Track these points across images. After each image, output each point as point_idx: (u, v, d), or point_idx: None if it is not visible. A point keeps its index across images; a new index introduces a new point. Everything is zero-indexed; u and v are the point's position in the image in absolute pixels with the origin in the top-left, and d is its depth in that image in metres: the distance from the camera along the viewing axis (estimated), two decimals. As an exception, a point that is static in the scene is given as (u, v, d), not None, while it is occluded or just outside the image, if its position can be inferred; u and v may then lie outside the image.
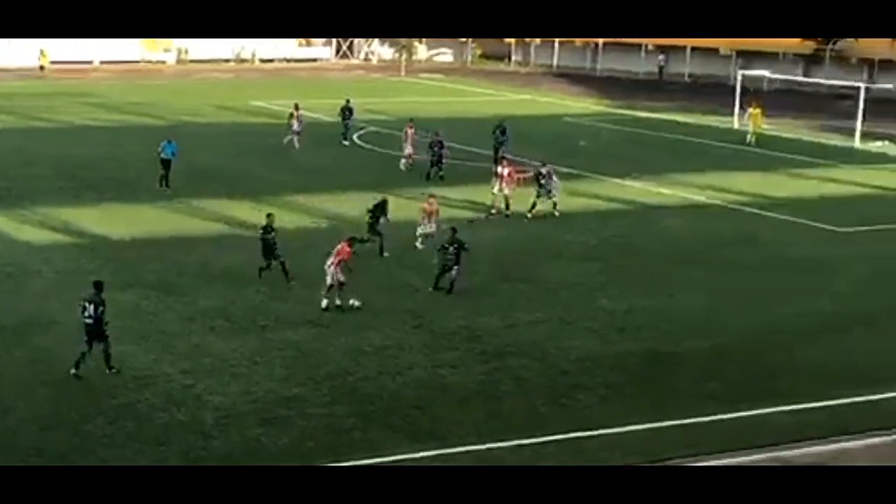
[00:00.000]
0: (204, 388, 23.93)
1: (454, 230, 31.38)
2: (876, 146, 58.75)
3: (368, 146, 52.74)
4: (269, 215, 32.09)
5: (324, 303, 29.05)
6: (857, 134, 59.25)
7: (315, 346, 26.72)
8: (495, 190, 40.63)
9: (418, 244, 34.68)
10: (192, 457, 20.79)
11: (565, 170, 48.53)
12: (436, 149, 45.54)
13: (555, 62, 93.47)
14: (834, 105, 71.63)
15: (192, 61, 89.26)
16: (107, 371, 24.29)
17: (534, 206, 39.88)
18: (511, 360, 26.24)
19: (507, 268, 33.44)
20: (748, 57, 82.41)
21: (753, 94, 67.99)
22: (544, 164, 40.43)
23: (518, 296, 30.80)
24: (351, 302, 29.02)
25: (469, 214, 40.35)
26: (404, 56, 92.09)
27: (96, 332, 24.18)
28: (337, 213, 39.50)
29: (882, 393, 24.93)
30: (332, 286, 29.04)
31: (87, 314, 24.22)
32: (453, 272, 30.63)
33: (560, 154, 51.89)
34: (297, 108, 52.49)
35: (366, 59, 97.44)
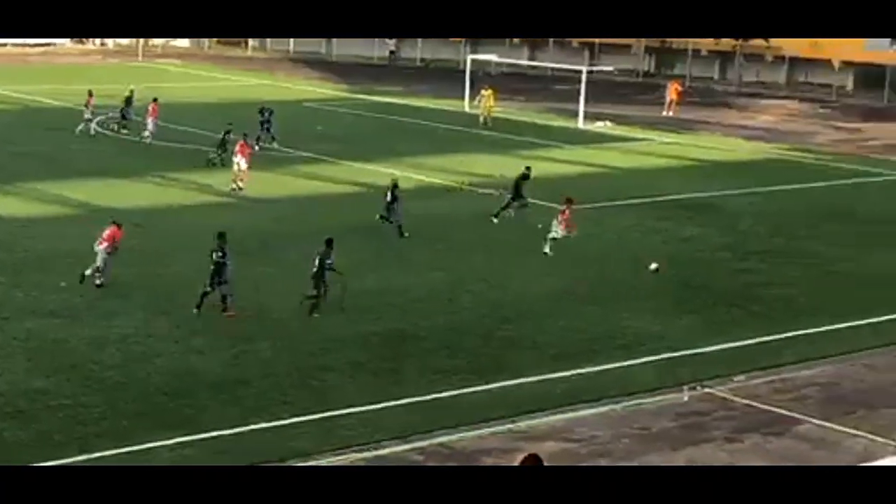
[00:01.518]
0: (-56, 384, 23.46)
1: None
2: (597, 126, 61.36)
3: (113, 134, 52.08)
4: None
5: (97, 281, 29.44)
6: (581, 115, 61.72)
7: (59, 336, 26.46)
8: (242, 167, 41.27)
9: (547, 250, 34.73)
10: (-66, 454, 20.42)
11: (305, 154, 49.06)
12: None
13: (291, 48, 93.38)
14: (556, 88, 74.50)
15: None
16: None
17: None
18: (258, 343, 26.62)
19: (251, 250, 33.56)
20: (477, 41, 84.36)
21: (483, 77, 69.90)
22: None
23: (263, 278, 31.10)
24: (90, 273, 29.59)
25: (213, 198, 40.49)
26: (141, 40, 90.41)
27: (218, 274, 28.01)
28: (80, 200, 38.99)
29: (613, 362, 26.40)
30: (101, 267, 29.48)
31: (214, 257, 28.05)
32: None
33: (299, 139, 52.28)
34: (90, 94, 51.95)
35: (102, 44, 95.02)
